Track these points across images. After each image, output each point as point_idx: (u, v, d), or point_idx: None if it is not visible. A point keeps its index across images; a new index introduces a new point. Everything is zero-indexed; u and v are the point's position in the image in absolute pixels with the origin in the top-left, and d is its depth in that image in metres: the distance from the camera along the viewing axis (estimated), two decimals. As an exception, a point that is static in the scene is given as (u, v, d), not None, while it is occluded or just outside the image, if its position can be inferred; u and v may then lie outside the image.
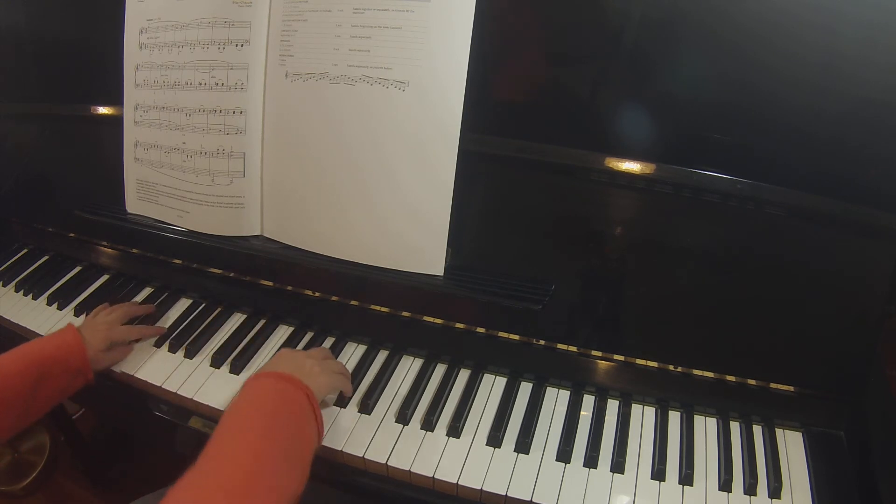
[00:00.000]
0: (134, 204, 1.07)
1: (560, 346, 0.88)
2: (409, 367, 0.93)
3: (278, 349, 0.97)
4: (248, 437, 0.66)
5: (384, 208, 0.87)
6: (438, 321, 0.92)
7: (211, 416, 0.90)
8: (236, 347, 0.97)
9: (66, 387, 0.88)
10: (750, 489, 0.76)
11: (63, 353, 0.87)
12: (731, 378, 0.83)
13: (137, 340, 0.99)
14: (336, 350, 0.96)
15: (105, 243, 1.16)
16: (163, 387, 0.92)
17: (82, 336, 0.90)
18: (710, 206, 0.80)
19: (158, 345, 0.99)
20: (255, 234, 0.98)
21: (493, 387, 0.90)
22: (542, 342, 0.88)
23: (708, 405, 0.86)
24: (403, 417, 0.85)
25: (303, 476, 0.68)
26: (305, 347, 0.97)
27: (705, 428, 0.84)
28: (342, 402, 0.88)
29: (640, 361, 0.86)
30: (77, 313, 1.08)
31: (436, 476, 0.78)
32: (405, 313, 0.93)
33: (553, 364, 0.89)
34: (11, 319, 1.09)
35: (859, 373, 0.80)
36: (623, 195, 0.83)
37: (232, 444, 0.65)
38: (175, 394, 0.91)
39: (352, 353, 0.96)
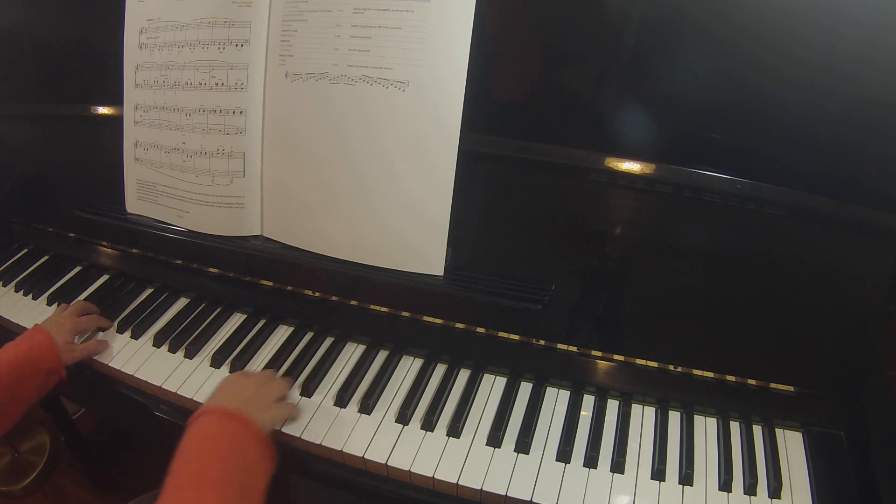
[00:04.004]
0: (134, 204, 1.07)
1: (560, 346, 0.88)
2: (409, 367, 0.93)
3: (278, 349, 0.97)
4: (206, 492, 0.64)
5: (384, 208, 0.87)
6: (438, 321, 0.92)
7: (211, 416, 0.90)
8: (236, 347, 0.97)
9: (41, 386, 0.90)
10: (750, 489, 0.76)
11: (35, 355, 0.89)
12: (731, 378, 0.83)
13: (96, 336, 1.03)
14: (336, 350, 0.96)
15: (105, 243, 1.16)
16: (163, 387, 0.92)
17: (51, 334, 0.92)
18: (710, 206, 0.80)
19: (158, 345, 0.99)
20: (255, 234, 0.98)
21: (493, 387, 0.90)
22: (542, 342, 0.88)
23: (708, 405, 0.86)
24: (403, 417, 0.85)
25: None
26: (305, 348, 0.97)
27: (705, 428, 0.84)
28: (342, 402, 0.88)
29: (640, 361, 0.86)
30: (77, 313, 1.08)
31: (436, 476, 0.78)
32: (405, 313, 0.93)
33: (553, 364, 0.89)
34: (11, 319, 1.09)
35: (859, 373, 0.80)
36: (623, 195, 0.83)
37: (191, 498, 0.64)
38: (175, 394, 0.91)
39: (352, 353, 0.96)
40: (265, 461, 0.73)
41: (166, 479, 0.66)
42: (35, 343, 0.91)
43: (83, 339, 1.01)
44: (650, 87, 0.81)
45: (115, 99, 1.05)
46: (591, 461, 0.79)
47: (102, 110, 1.10)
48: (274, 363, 0.94)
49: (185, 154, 0.98)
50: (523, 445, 0.81)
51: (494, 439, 0.82)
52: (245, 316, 1.04)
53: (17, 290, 1.15)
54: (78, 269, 1.19)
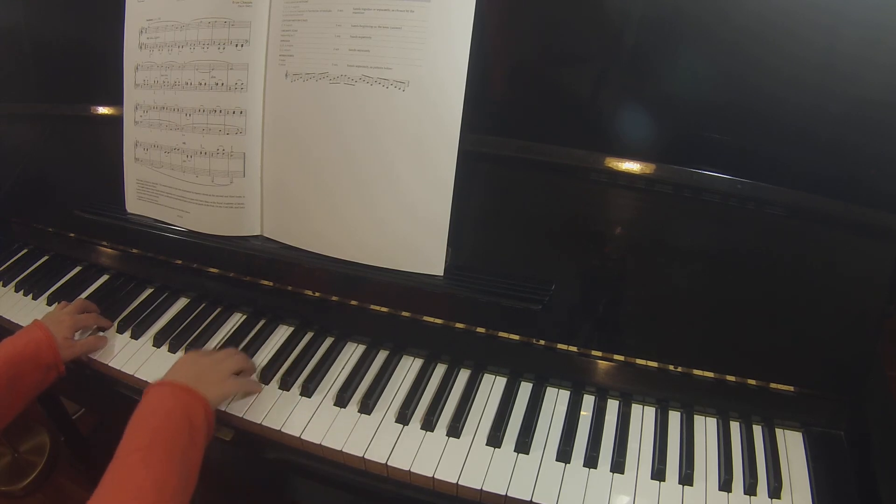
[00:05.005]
0: (134, 204, 1.07)
1: (560, 346, 0.88)
2: (409, 367, 0.93)
3: (278, 349, 0.97)
4: (152, 459, 0.69)
5: (384, 208, 0.87)
6: (438, 321, 0.92)
7: (211, 416, 0.90)
8: (236, 347, 0.97)
9: (39, 382, 0.90)
10: (750, 489, 0.76)
11: (34, 350, 0.90)
12: (731, 378, 0.83)
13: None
14: (336, 350, 0.96)
15: (105, 243, 1.16)
16: (163, 387, 0.92)
17: (50, 330, 0.93)
18: (710, 206, 0.80)
19: (158, 345, 0.99)
20: (255, 234, 0.98)
21: (493, 387, 0.90)
22: (542, 342, 0.88)
23: (708, 405, 0.86)
24: (403, 417, 0.85)
25: (191, 488, 0.71)
26: (305, 348, 0.97)
27: (705, 428, 0.84)
28: (342, 402, 0.88)
29: (640, 361, 0.86)
30: (77, 313, 1.08)
31: (436, 476, 0.78)
32: (405, 313, 0.93)
33: (553, 364, 0.89)
34: (11, 319, 1.09)
35: (859, 373, 0.80)
36: (623, 195, 0.83)
37: (137, 466, 0.68)
38: (175, 394, 0.91)
39: (352, 353, 0.96)
40: (208, 433, 0.78)
41: (120, 444, 0.71)
42: (34, 338, 0.91)
43: (83, 337, 1.01)
44: (650, 87, 0.81)
45: (115, 99, 1.05)
46: (591, 461, 0.79)
47: (102, 110, 1.10)
48: (274, 363, 0.94)
49: (185, 154, 0.98)
50: (523, 445, 0.81)
51: (494, 439, 0.82)
52: (245, 316, 1.04)
53: (17, 290, 1.15)
54: (78, 269, 1.19)
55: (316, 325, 1.00)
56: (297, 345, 0.98)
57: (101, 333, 1.02)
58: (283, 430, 0.84)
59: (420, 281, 0.87)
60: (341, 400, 0.88)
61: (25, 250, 1.26)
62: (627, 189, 0.82)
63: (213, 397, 0.81)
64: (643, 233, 0.83)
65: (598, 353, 0.87)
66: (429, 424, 0.84)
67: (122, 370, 0.95)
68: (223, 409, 0.88)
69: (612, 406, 0.87)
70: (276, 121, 0.92)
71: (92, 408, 1.51)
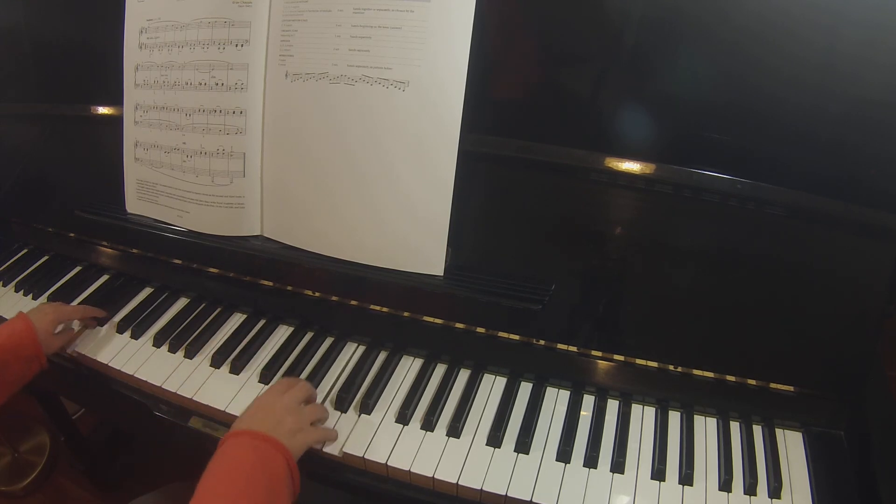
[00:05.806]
0: (134, 204, 1.07)
1: (560, 346, 0.88)
2: (409, 367, 0.93)
3: (278, 349, 0.97)
4: None
5: (384, 208, 0.87)
6: (438, 321, 0.92)
7: (211, 416, 0.90)
8: (236, 347, 0.97)
9: (22, 374, 0.90)
10: (750, 489, 0.76)
11: (14, 342, 0.90)
12: (731, 378, 0.83)
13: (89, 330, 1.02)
14: (336, 350, 0.96)
15: (105, 243, 1.16)
16: (162, 387, 0.92)
17: (32, 322, 0.92)
18: (710, 206, 0.80)
19: (158, 345, 0.99)
20: (255, 233, 0.98)
21: (493, 387, 0.90)
22: (542, 342, 0.88)
23: (708, 405, 0.86)
24: (403, 417, 0.85)
25: None
26: (305, 348, 0.97)
27: (705, 428, 0.84)
28: (342, 402, 0.88)
29: (640, 361, 0.86)
30: (77, 313, 1.08)
31: (436, 476, 0.78)
32: (405, 313, 0.93)
33: (553, 364, 0.89)
34: (11, 319, 1.09)
35: (859, 373, 0.80)
36: (623, 195, 0.83)
37: None
38: (175, 394, 0.91)
39: (352, 353, 0.96)
40: (293, 489, 0.72)
41: (195, 497, 0.65)
42: (15, 330, 0.91)
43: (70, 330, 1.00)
44: (650, 87, 0.81)
45: (115, 99, 1.05)
46: (591, 461, 0.79)
47: (102, 110, 1.10)
48: (274, 363, 0.94)
49: (185, 154, 0.98)
50: (523, 445, 0.81)
51: (494, 439, 0.82)
52: (245, 316, 1.04)
53: (17, 290, 1.15)
54: (78, 269, 1.19)
55: (316, 325, 1.00)
56: (297, 345, 0.98)
57: (102, 333, 1.02)
58: (283, 430, 0.84)
59: (420, 281, 0.87)
60: (341, 400, 0.88)
61: (25, 250, 1.26)
62: (627, 189, 0.82)
63: (294, 448, 0.75)
64: (643, 233, 0.83)
65: (598, 353, 0.87)
66: (429, 424, 0.84)
67: (122, 370, 0.95)
68: (223, 410, 0.88)
69: (612, 406, 0.87)
70: (276, 121, 0.92)
71: (92, 408, 1.50)
